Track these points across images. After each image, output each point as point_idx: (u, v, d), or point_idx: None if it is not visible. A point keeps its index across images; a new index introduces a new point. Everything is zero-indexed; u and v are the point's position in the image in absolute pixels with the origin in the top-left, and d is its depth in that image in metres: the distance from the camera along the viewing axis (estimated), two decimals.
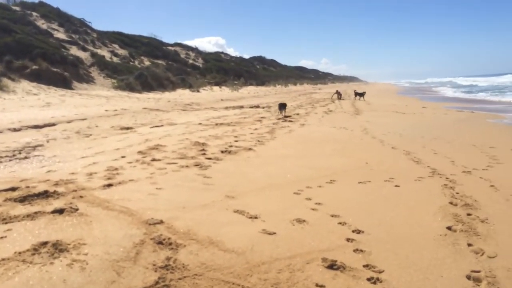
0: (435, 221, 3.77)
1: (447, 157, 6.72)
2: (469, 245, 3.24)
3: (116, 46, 39.36)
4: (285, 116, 13.49)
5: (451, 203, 4.29)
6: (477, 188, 4.86)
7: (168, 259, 2.86)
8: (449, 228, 3.59)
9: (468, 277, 2.74)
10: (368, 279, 2.70)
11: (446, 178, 5.37)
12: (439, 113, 16.02)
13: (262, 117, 13.27)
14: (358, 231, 3.50)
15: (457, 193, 4.66)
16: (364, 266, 2.87)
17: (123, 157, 6.33)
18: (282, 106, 13.98)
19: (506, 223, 3.72)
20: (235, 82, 43.57)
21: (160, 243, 3.11)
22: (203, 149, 7.08)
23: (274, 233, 3.42)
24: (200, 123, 11.23)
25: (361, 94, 26.07)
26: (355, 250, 3.12)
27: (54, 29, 33.82)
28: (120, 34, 46.67)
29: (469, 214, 3.93)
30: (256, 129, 10.18)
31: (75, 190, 4.41)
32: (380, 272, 2.79)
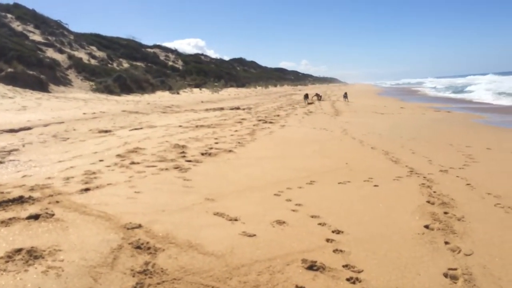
0: (413, 220, 3.82)
1: (425, 157, 6.82)
2: (446, 243, 3.29)
3: (94, 48, 38.84)
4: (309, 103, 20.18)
5: (428, 202, 4.35)
6: (454, 187, 4.95)
7: (146, 263, 2.82)
8: (426, 226, 3.64)
9: (445, 275, 2.78)
10: (348, 279, 2.71)
11: (424, 177, 5.45)
12: (417, 113, 16.28)
13: (242, 119, 13.25)
14: (338, 231, 3.52)
15: (435, 192, 4.73)
16: (343, 266, 2.89)
17: (101, 160, 6.23)
18: (306, 96, 23.40)
19: (481, 221, 3.79)
20: (215, 84, 43.47)
21: (138, 247, 3.06)
22: (183, 152, 7.03)
23: (254, 235, 3.41)
24: (180, 126, 11.15)
25: (345, 96, 26.34)
26: (335, 251, 3.13)
27: (30, 31, 33.16)
28: (98, 36, 46.12)
29: (446, 213, 3.99)
30: (236, 130, 10.16)
31: (51, 195, 4.31)
32: (359, 271, 2.81)
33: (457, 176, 5.48)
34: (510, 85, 34.51)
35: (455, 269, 2.85)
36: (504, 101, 22.76)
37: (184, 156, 6.67)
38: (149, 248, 3.05)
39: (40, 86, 21.73)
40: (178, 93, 31.19)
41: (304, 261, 2.92)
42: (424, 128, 11.24)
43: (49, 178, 5.09)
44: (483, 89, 33.36)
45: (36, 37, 32.53)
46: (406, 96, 34.80)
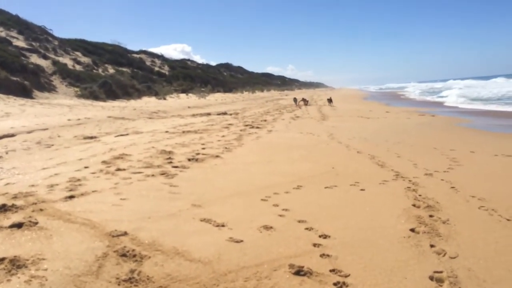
0: (399, 224, 3.85)
1: (410, 160, 6.89)
2: (432, 246, 3.32)
3: (78, 53, 38.47)
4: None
5: (414, 205, 4.39)
6: (439, 190, 5.00)
7: (132, 271, 2.79)
8: (412, 230, 3.67)
9: (431, 278, 2.80)
10: (335, 284, 2.71)
11: (409, 181, 5.50)
12: (401, 117, 16.45)
13: (229, 124, 13.24)
14: (325, 236, 3.52)
15: (420, 195, 4.77)
16: (330, 270, 2.89)
17: (86, 167, 6.16)
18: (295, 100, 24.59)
19: (466, 224, 3.83)
20: (202, 89, 43.40)
21: (123, 255, 3.03)
22: (170, 158, 6.99)
23: (241, 241, 3.39)
24: (167, 131, 11.09)
25: (330, 100, 26.52)
26: (322, 255, 3.13)
27: (13, 37, 32.72)
28: (82, 41, 45.73)
29: (431, 216, 4.03)
30: (223, 136, 10.14)
31: (35, 203, 4.24)
32: (346, 276, 2.82)
33: (441, 180, 5.55)
34: (480, 90, 38.20)
35: (441, 272, 2.87)
36: (470, 106, 24.38)
37: (170, 162, 6.63)
38: (134, 256, 3.02)
39: (24, 92, 21.44)
40: (164, 99, 31.05)
41: (291, 266, 2.92)
42: (409, 132, 11.35)
43: (32, 185, 5.01)
44: (456, 94, 35.31)
45: (20, 42, 32.11)
46: (390, 101, 35.14)
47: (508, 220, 3.92)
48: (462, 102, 27.30)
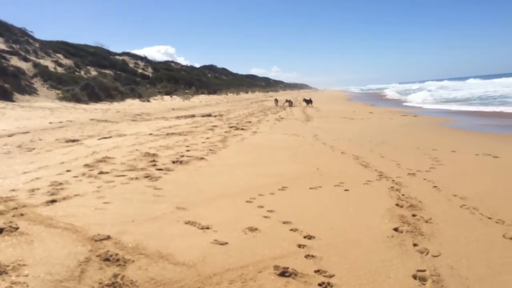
0: (383, 223, 3.88)
1: (393, 160, 6.96)
2: (415, 245, 3.36)
3: (60, 56, 37.93)
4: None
5: (397, 205, 4.43)
6: (421, 190, 5.06)
7: (115, 276, 2.75)
8: (395, 229, 3.71)
9: (414, 277, 2.83)
10: (320, 284, 2.72)
11: (393, 180, 5.55)
12: (385, 118, 16.62)
13: (214, 126, 13.20)
14: (310, 237, 3.53)
15: (403, 195, 4.82)
16: (315, 271, 2.90)
17: (68, 171, 6.07)
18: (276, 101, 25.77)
19: (448, 222, 3.89)
20: (186, 91, 43.22)
21: (107, 259, 2.99)
22: (154, 160, 6.93)
23: (226, 243, 3.38)
24: (151, 134, 11.01)
25: (308, 101, 26.64)
26: (307, 256, 3.14)
27: None
28: (64, 43, 45.15)
29: (414, 215, 4.08)
30: (208, 138, 10.10)
31: (16, 208, 4.16)
32: (330, 276, 2.83)
33: (424, 179, 5.61)
34: (443, 92, 41.60)
35: (424, 270, 2.90)
36: (428, 106, 26.23)
37: (154, 165, 6.58)
38: (118, 260, 2.98)
39: (4, 95, 21.04)
40: (148, 101, 30.82)
41: (276, 267, 2.92)
42: (392, 132, 11.48)
43: (13, 190, 4.91)
44: (421, 95, 37.62)
45: (0, 45, 31.56)
46: (375, 101, 35.48)
47: (489, 218, 3.99)
48: (425, 102, 29.47)
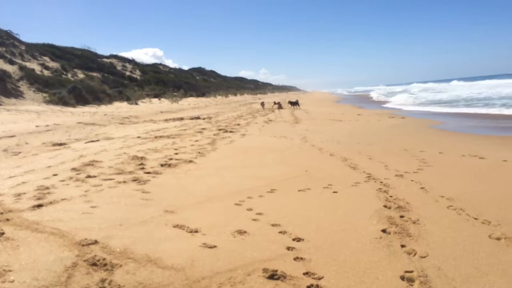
0: (371, 225, 3.90)
1: (381, 162, 7.01)
2: (402, 246, 3.38)
3: (46, 58, 37.55)
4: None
5: (385, 206, 4.46)
6: (409, 191, 5.10)
7: (102, 281, 2.72)
8: (383, 230, 3.73)
9: (402, 278, 2.85)
10: (308, 287, 2.73)
11: (381, 182, 5.59)
12: (373, 119, 16.72)
13: (203, 129, 13.18)
14: (298, 239, 3.54)
15: (391, 196, 4.85)
16: (304, 273, 2.90)
17: (55, 175, 6.01)
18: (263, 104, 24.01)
19: (435, 223, 3.92)
20: (175, 93, 43.04)
21: (94, 264, 2.96)
22: (142, 163, 6.88)
23: (215, 246, 3.37)
24: (139, 137, 10.94)
25: (294, 103, 26.72)
26: (295, 258, 3.14)
27: None
28: (51, 46, 44.70)
29: (402, 216, 4.11)
30: (196, 140, 10.07)
31: (1, 213, 4.11)
32: (319, 278, 2.83)
33: (411, 180, 5.66)
34: (426, 94, 43.04)
35: (411, 271, 2.93)
36: (409, 107, 26.72)
37: (143, 168, 6.53)
38: (105, 265, 2.95)
39: None
40: (136, 104, 30.64)
41: (265, 270, 2.91)
42: (380, 134, 11.55)
43: None
44: (402, 97, 39.05)
45: None
46: (363, 103, 35.71)
47: (475, 219, 4.03)
48: (405, 104, 30.28)
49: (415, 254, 3.22)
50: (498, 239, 3.53)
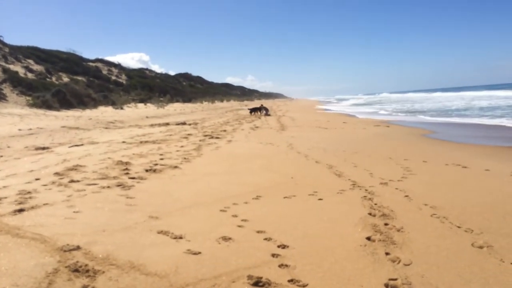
0: (356, 232, 3.92)
1: (367, 170, 7.05)
2: (387, 253, 3.40)
3: (31, 61, 37.12)
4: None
5: (370, 214, 4.48)
6: (393, 199, 5.14)
7: (84, 287, 2.67)
8: (368, 238, 3.74)
9: (386, 285, 2.86)
10: None
11: (366, 190, 5.62)
12: (358, 127, 16.85)
13: (188, 134, 13.12)
14: (283, 246, 3.53)
15: (376, 204, 4.88)
16: (289, 281, 2.89)
17: (37, 179, 5.91)
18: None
19: (419, 231, 3.95)
20: (161, 99, 42.87)
21: (76, 270, 2.91)
22: (126, 168, 6.82)
23: (199, 252, 3.35)
24: (124, 141, 10.85)
25: (257, 109, 26.71)
26: (280, 265, 3.13)
27: None
28: (35, 49, 44.22)
29: (386, 224, 4.13)
30: (182, 146, 10.02)
31: None
32: (304, 286, 2.83)
33: (396, 188, 5.71)
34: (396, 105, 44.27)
35: (395, 279, 2.94)
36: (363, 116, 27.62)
37: (127, 173, 6.47)
38: (87, 271, 2.90)
39: None
40: (122, 108, 30.42)
41: (249, 277, 2.90)
42: (365, 142, 11.64)
43: None
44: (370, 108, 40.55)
45: None
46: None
47: (458, 227, 4.07)
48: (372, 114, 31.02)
49: (399, 262, 3.24)
50: (481, 247, 3.56)
